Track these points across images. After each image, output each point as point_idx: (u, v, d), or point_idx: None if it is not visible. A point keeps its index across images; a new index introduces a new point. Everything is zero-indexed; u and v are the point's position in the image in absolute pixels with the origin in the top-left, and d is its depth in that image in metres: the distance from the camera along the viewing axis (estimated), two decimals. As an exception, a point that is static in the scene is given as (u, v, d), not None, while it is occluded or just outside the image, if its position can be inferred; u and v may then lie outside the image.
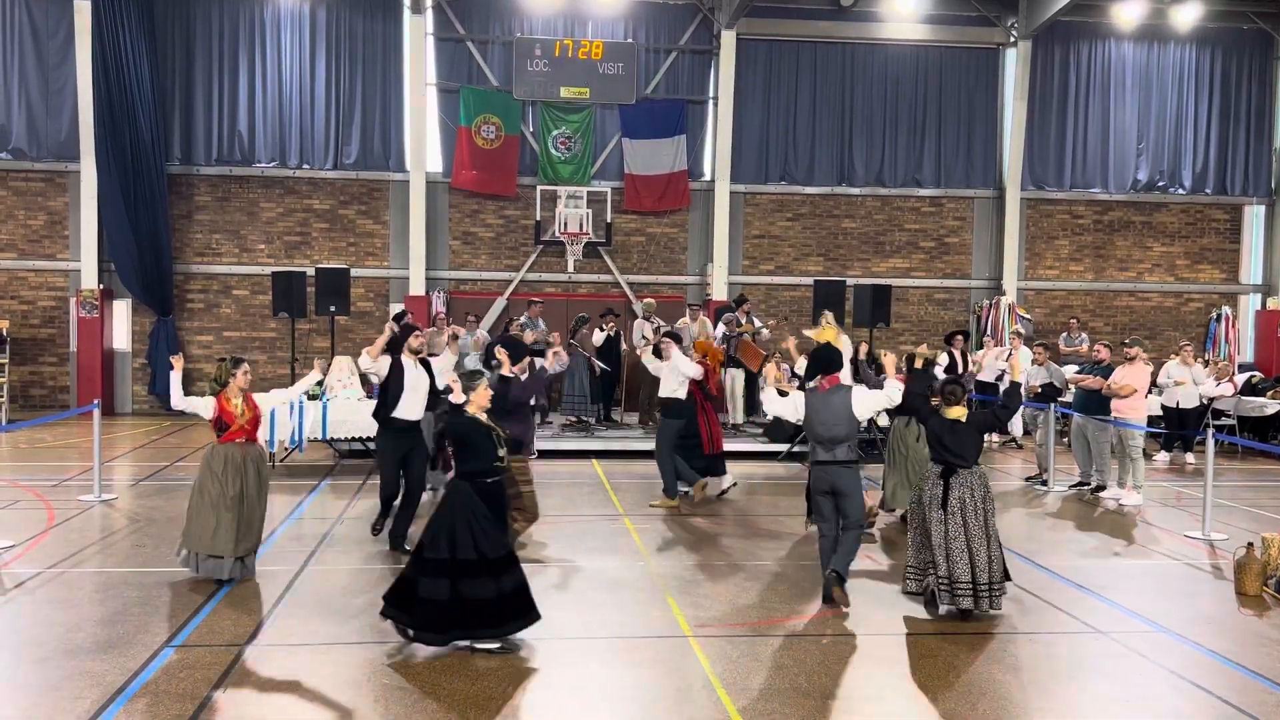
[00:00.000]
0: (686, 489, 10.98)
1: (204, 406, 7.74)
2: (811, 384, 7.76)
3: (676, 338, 11.41)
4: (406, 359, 8.76)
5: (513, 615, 6.35)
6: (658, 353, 11.09)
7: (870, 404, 7.51)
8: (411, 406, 8.73)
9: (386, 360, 8.75)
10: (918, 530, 7.50)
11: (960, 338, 14.07)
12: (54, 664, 6.06)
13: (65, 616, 6.91)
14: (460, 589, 6.18)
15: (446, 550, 6.23)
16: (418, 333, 8.98)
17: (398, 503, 8.86)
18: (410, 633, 6.40)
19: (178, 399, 7.91)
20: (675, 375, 10.70)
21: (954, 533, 7.13)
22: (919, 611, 7.39)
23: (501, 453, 6.58)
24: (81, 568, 8.15)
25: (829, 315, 9.65)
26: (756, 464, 13.43)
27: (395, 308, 17.73)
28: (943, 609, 7.20)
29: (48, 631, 6.61)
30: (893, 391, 7.42)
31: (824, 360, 7.64)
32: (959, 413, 7.30)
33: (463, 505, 6.34)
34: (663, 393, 10.90)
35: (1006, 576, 7.30)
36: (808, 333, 9.69)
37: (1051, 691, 5.96)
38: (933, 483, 7.30)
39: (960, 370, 13.28)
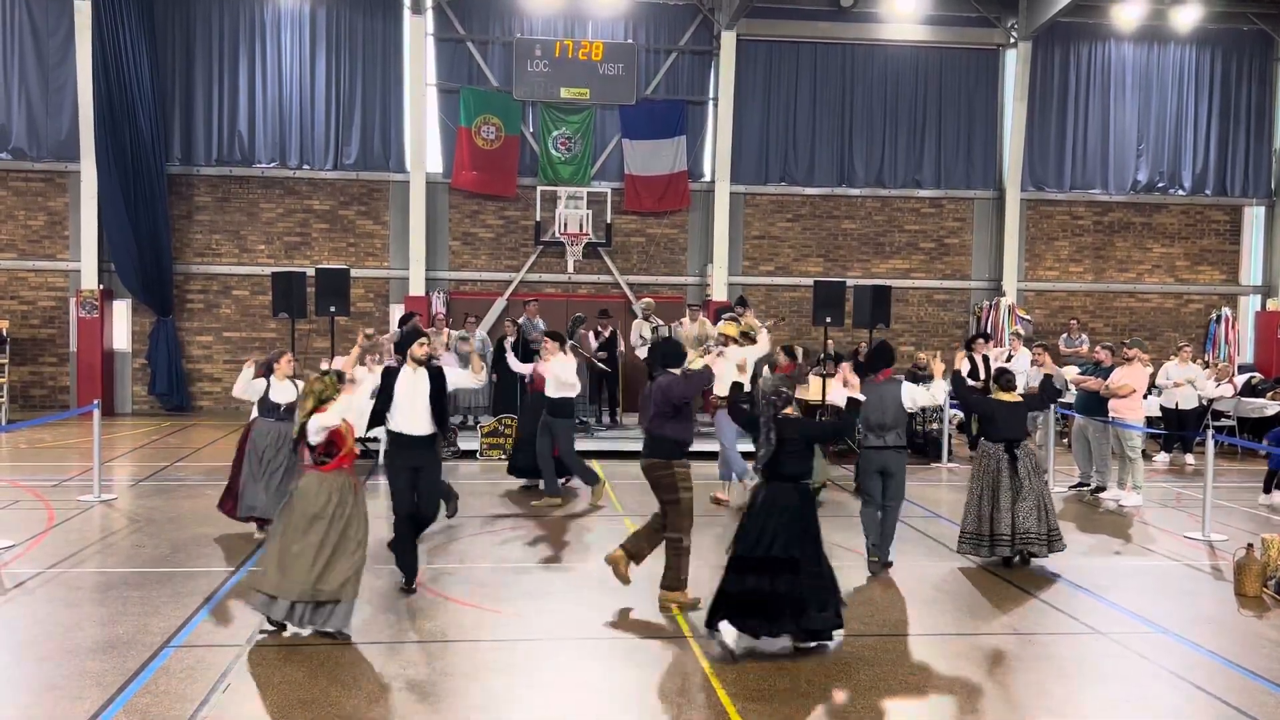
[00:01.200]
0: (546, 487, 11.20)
1: (325, 426, 6.48)
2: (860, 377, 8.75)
3: (560, 338, 11.29)
4: (406, 366, 7.70)
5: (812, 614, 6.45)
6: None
7: (916, 398, 8.45)
8: (410, 419, 7.62)
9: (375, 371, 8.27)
10: (978, 498, 8.56)
11: (980, 341, 14.08)
12: (54, 664, 6.06)
13: (65, 616, 6.91)
14: (775, 585, 6.35)
15: (763, 549, 6.40)
16: (423, 340, 7.91)
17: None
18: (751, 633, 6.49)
19: (313, 430, 6.47)
20: (562, 376, 10.78)
21: (1025, 493, 8.41)
22: (919, 612, 7.40)
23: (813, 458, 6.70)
24: (81, 568, 8.15)
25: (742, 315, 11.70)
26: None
27: (396, 308, 17.77)
28: (1001, 555, 8.52)
29: (47, 631, 6.61)
30: (937, 391, 8.52)
31: (882, 356, 8.72)
32: (1013, 397, 8.69)
33: (778, 505, 6.51)
34: (553, 394, 10.91)
35: None
36: (713, 329, 10.70)
37: (1051, 692, 5.96)
38: (997, 457, 8.51)
39: (983, 375, 13.42)
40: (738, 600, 6.46)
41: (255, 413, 9.25)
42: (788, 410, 6.79)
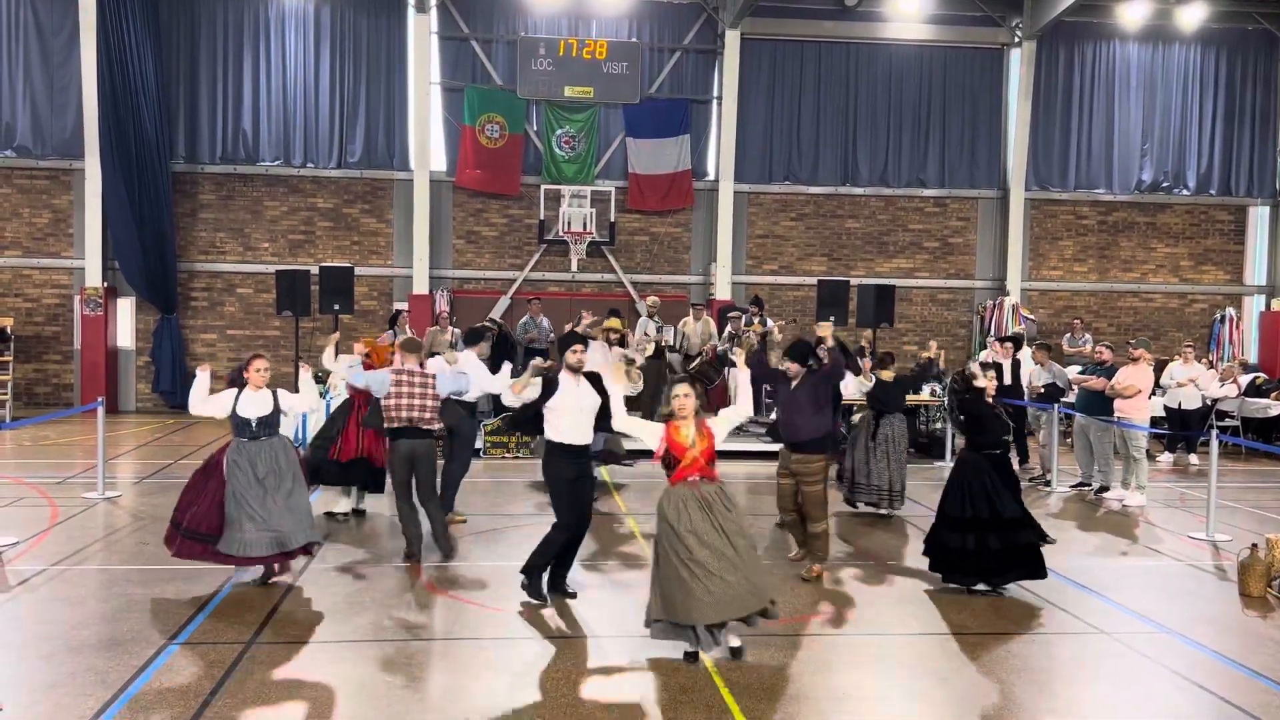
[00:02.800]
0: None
1: (652, 435, 6.41)
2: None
3: (469, 337, 10.03)
4: (566, 375, 7.33)
5: (1018, 566, 7.64)
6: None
7: (851, 386, 10.56)
8: (576, 429, 7.29)
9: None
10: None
11: (1009, 344, 13.35)
12: (58, 661, 6.07)
13: (69, 614, 6.92)
14: (983, 542, 7.55)
15: (968, 509, 7.61)
16: (576, 347, 7.41)
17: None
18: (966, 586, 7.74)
19: (620, 428, 6.51)
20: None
21: (879, 456, 10.41)
22: (922, 612, 7.39)
23: (1006, 429, 8.02)
24: (85, 565, 8.16)
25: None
26: (759, 464, 13.41)
27: (401, 307, 17.75)
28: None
29: (51, 629, 6.62)
30: (865, 380, 10.87)
31: (848, 353, 9.56)
32: (890, 375, 10.57)
33: (975, 471, 7.74)
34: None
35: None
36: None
37: (1054, 692, 5.96)
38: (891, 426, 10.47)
39: (1010, 380, 12.49)
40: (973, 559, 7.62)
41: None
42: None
